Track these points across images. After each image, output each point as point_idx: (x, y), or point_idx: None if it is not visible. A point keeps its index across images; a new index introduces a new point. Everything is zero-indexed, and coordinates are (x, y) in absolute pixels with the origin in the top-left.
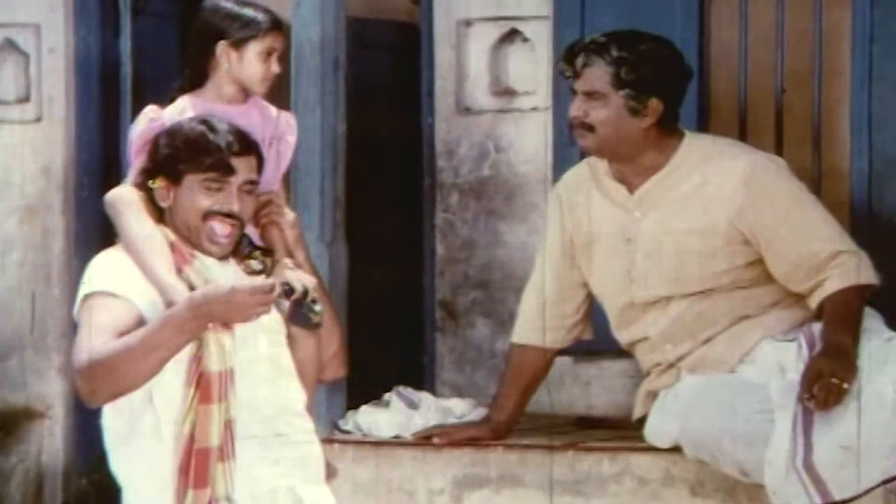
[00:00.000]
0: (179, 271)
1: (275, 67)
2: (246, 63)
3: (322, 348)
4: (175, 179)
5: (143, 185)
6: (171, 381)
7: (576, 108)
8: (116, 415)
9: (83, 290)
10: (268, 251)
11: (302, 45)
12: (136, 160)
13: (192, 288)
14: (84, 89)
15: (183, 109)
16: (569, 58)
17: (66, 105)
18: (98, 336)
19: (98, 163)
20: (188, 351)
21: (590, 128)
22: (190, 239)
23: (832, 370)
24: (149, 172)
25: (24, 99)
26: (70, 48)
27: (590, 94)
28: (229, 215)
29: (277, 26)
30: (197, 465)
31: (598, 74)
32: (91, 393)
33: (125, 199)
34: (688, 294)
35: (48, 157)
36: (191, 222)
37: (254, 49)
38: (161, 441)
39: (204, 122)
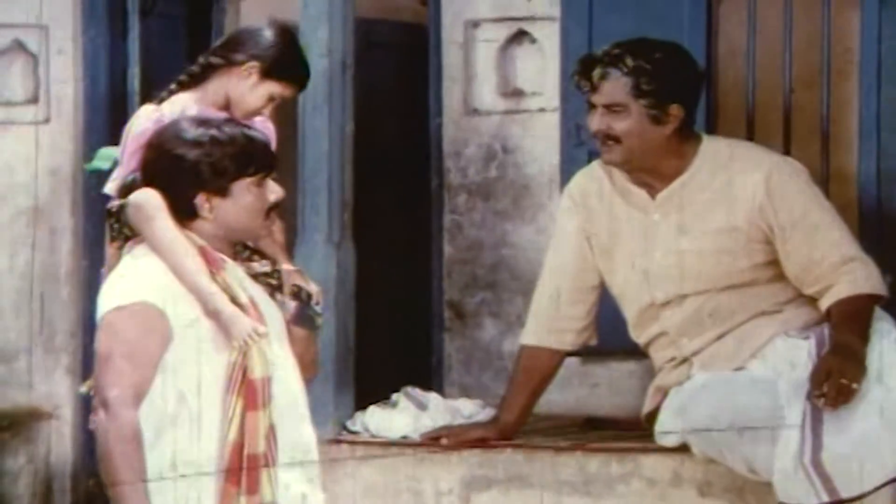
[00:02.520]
0: (213, 276)
1: (267, 109)
2: (249, 91)
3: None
4: (220, 191)
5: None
6: (211, 389)
7: (598, 122)
8: (146, 420)
9: (108, 303)
10: (261, 254)
11: (309, 45)
12: (131, 158)
13: (228, 292)
14: (92, 90)
15: (183, 108)
16: (584, 71)
17: (75, 106)
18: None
19: None
20: (227, 360)
21: (616, 139)
22: (242, 239)
23: (842, 369)
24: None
25: (33, 100)
26: (78, 49)
27: (610, 107)
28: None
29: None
30: (248, 471)
31: (617, 87)
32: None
33: (154, 203)
34: (707, 290)
35: (56, 158)
36: (252, 223)
37: (267, 88)
38: (200, 446)
39: (241, 127)
